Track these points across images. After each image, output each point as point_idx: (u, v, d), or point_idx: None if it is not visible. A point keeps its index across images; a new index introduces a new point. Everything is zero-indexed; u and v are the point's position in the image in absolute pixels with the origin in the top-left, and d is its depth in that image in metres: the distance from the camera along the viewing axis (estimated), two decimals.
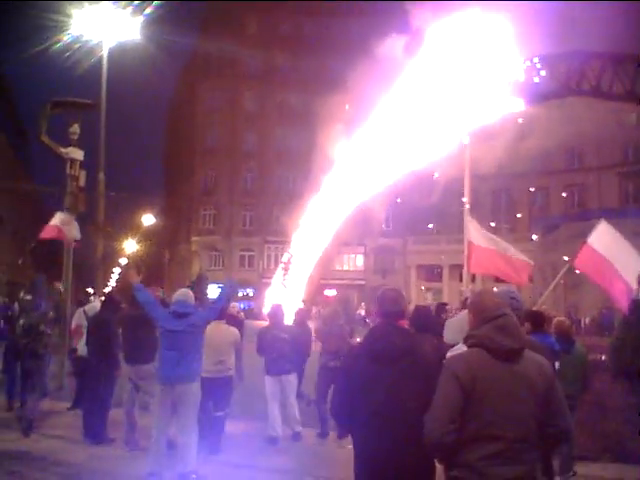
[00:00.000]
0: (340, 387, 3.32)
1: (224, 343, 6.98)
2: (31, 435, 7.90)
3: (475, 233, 10.06)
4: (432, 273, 47.67)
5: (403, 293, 3.43)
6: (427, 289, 47.77)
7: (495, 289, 4.16)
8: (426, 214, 44.62)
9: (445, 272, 45.67)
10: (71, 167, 12.63)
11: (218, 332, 6.85)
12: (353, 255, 49.40)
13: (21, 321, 9.01)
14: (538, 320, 5.43)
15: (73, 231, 12.02)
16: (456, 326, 5.41)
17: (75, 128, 12.79)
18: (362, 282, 47.13)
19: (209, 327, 6.30)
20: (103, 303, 8.62)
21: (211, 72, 49.07)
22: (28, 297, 9.30)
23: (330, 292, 44.80)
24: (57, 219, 12.09)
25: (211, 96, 49.92)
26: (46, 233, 12.21)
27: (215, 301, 6.44)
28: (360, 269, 49.55)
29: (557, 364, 5.11)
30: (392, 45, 18.34)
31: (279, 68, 48.14)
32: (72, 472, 6.62)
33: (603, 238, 7.48)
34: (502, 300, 2.94)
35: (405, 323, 3.34)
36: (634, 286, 6.66)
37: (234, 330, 7.18)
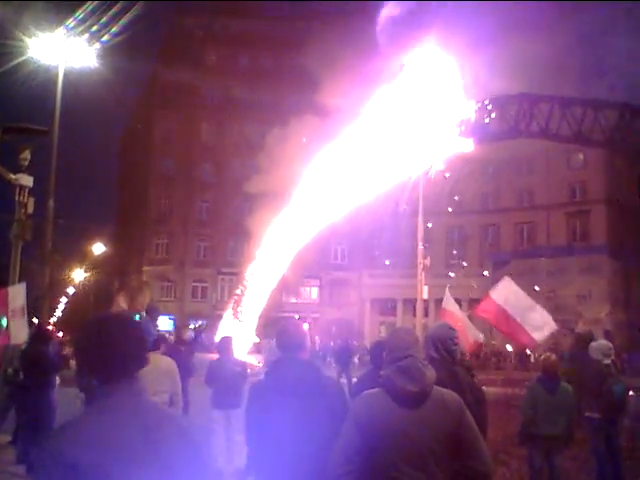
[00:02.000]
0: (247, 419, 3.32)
1: (159, 374, 6.79)
2: None
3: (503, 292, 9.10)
4: (386, 307, 47.93)
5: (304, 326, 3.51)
6: (381, 323, 47.96)
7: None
8: (380, 248, 45.03)
9: (399, 306, 45.98)
10: (20, 194, 12.35)
11: (152, 362, 6.66)
12: (308, 288, 49.25)
13: None
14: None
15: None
16: None
17: (26, 154, 12.54)
18: (317, 315, 46.99)
19: None
20: (33, 336, 8.37)
21: (169, 101, 48.92)
22: None
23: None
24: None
25: (168, 125, 49.69)
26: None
27: None
28: (315, 302, 49.41)
29: None
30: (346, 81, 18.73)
31: (237, 100, 48.36)
32: None
33: (505, 293, 7.79)
34: (415, 339, 2.93)
35: (305, 356, 3.36)
36: (536, 337, 7.24)
37: (168, 360, 6.93)
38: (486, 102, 23.58)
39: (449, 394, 2.80)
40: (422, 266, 19.79)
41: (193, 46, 48.60)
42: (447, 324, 4.03)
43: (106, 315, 2.19)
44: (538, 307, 7.68)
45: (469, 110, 22.34)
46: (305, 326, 3.59)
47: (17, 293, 9.38)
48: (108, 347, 1.98)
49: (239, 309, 27.36)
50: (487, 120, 23.59)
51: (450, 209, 44.15)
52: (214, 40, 49.08)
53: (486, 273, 43.23)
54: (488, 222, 47.50)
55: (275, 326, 3.82)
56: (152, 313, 8.59)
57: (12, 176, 12.35)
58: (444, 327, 3.85)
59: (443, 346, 3.61)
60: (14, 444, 8.85)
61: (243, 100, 47.95)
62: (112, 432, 1.83)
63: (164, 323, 42.57)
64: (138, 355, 2.03)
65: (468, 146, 22.33)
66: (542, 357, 6.70)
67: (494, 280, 40.31)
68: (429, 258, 20.30)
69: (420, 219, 13.97)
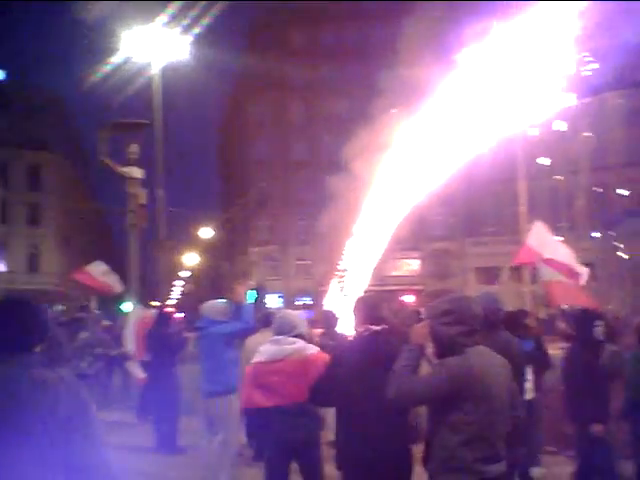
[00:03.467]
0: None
1: None
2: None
3: (539, 239, 9.36)
4: (491, 275, 46.81)
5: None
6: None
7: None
8: (482, 215, 43.94)
9: (504, 273, 44.77)
10: (131, 185, 13.14)
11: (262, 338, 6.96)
12: (409, 260, 49.01)
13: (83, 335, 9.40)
14: (513, 323, 5.40)
15: (115, 284, 11.97)
16: None
17: (134, 148, 13.31)
18: (419, 287, 46.71)
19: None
20: (156, 318, 8.90)
21: (258, 86, 49.84)
22: (97, 311, 9.78)
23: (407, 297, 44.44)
24: (96, 269, 12.09)
25: (260, 109, 50.76)
26: (83, 279, 12.20)
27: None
28: (417, 273, 49.15)
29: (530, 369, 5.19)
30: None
31: (324, 78, 48.52)
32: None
33: (540, 237, 8.49)
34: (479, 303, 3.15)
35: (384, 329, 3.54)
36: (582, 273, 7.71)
37: None
38: (587, 54, 22.29)
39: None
40: (527, 231, 19.09)
41: (277, 28, 49.15)
42: (492, 295, 4.25)
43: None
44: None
45: (571, 63, 21.19)
46: (409, 298, 3.85)
47: (95, 267, 11.27)
48: None
49: (342, 284, 27.70)
50: (588, 72, 22.29)
51: (554, 169, 42.19)
52: (298, 21, 49.33)
53: (596, 234, 41.14)
54: (596, 181, 44.97)
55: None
56: (261, 292, 8.93)
57: (123, 169, 13.16)
58: (484, 293, 4.05)
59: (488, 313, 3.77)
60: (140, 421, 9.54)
61: (330, 78, 48.03)
62: None
63: (273, 300, 43.97)
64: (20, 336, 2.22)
65: (571, 100, 21.24)
66: (637, 322, 6.40)
67: (604, 242, 38.41)
68: (535, 222, 19.57)
69: (522, 182, 13.49)
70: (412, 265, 49.57)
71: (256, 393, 4.56)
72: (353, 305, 3.71)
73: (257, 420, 5.05)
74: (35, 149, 47.05)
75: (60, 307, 40.07)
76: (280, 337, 4.63)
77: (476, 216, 44.64)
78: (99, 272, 11.99)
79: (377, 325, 3.50)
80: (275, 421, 4.52)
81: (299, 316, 4.95)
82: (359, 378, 3.36)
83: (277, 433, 4.52)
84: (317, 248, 48.33)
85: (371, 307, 3.60)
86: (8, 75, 49.17)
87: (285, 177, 50.09)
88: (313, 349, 4.57)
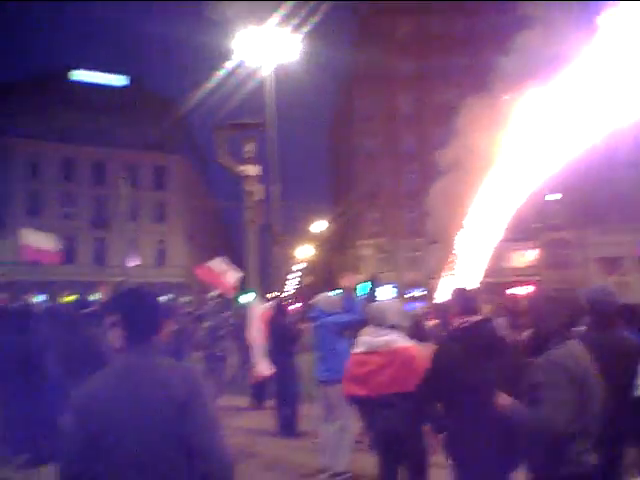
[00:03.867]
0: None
1: None
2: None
3: None
4: (615, 265, 44.14)
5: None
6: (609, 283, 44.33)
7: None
8: (604, 203, 41.49)
9: (629, 264, 42.09)
10: (248, 183, 13.71)
11: None
12: (523, 251, 47.28)
13: (206, 323, 10.00)
14: (632, 316, 5.14)
15: (234, 281, 12.40)
16: None
17: (250, 147, 13.85)
18: (538, 278, 44.93)
19: None
20: (275, 310, 9.29)
21: (366, 79, 49.92)
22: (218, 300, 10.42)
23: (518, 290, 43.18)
24: (217, 266, 12.57)
25: (368, 102, 50.81)
26: (204, 274, 12.69)
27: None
28: (532, 264, 47.29)
29: None
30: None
31: (432, 68, 47.76)
32: (269, 463, 7.22)
33: None
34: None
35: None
36: None
37: None
38: None
39: None
40: None
41: (385, 20, 48.93)
42: (606, 288, 3.95)
43: (127, 288, 2.61)
44: None
45: None
46: (526, 290, 3.88)
47: (217, 263, 11.62)
48: (123, 317, 2.40)
49: (454, 276, 27.25)
50: None
51: None
52: (405, 11, 48.83)
53: None
54: None
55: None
56: (375, 283, 9.12)
57: (240, 168, 13.75)
58: (601, 290, 3.83)
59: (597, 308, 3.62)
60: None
61: (439, 68, 47.22)
62: (108, 382, 2.25)
63: (388, 292, 44.05)
64: (148, 324, 2.35)
65: None
66: None
67: None
68: None
69: None
70: (529, 256, 47.77)
71: (352, 383, 4.65)
72: (449, 298, 3.74)
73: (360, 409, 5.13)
74: (159, 151, 50.31)
75: (186, 298, 42.52)
76: (374, 329, 4.64)
77: (598, 203, 42.21)
78: (220, 269, 12.47)
79: (473, 316, 3.55)
80: (367, 412, 4.58)
81: (393, 307, 4.86)
82: (463, 369, 3.43)
83: (370, 424, 4.57)
84: (429, 239, 47.91)
85: (467, 299, 3.65)
86: (132, 81, 52.47)
87: (395, 169, 49.92)
88: (404, 342, 4.48)
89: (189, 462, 2.17)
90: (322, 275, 54.24)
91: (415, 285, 45.14)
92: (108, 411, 2.15)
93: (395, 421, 4.40)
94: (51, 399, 6.88)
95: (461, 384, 3.44)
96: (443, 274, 32.49)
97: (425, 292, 43.81)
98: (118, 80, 51.93)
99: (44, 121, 47.15)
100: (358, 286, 7.29)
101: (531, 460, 3.04)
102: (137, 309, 2.38)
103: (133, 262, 34.53)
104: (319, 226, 49.18)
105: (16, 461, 6.82)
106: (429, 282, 41.54)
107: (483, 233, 27.07)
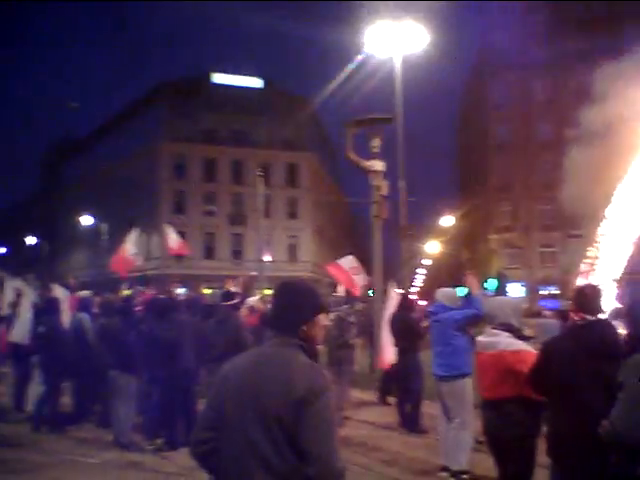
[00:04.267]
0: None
1: None
2: (348, 422, 8.87)
3: None
4: None
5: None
6: None
7: None
8: None
9: None
10: (374, 178, 13.82)
11: None
12: None
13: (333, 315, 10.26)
14: None
15: (362, 279, 12.45)
16: None
17: (376, 142, 13.94)
18: None
19: None
20: (400, 305, 9.29)
21: (499, 66, 48.17)
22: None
23: None
24: (348, 265, 12.60)
25: (501, 90, 49.04)
26: (334, 272, 12.82)
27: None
28: None
29: None
30: None
31: (568, 51, 45.04)
32: (390, 458, 7.21)
33: None
34: None
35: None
36: None
37: None
38: None
39: None
40: None
41: (519, 4, 46.88)
42: None
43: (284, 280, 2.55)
44: None
45: None
46: None
47: (347, 262, 11.59)
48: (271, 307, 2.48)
49: (593, 273, 25.62)
50: None
51: None
52: None
53: None
54: None
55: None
56: (502, 280, 8.91)
57: (366, 163, 13.89)
58: None
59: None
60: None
61: (576, 51, 44.44)
62: (241, 366, 2.37)
63: (515, 289, 42.35)
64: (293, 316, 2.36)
65: None
66: None
67: None
68: None
69: None
70: None
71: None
72: (573, 294, 3.65)
73: None
74: (291, 149, 51.98)
75: None
76: (487, 327, 4.47)
77: None
78: (351, 267, 12.63)
79: (592, 315, 3.44)
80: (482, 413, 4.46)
81: (507, 305, 4.53)
82: (573, 368, 3.34)
83: (483, 425, 4.45)
84: (565, 234, 45.38)
85: (588, 297, 3.53)
86: (266, 83, 54.52)
87: (528, 159, 47.72)
88: (509, 344, 4.14)
89: (298, 462, 2.14)
90: (450, 271, 53.28)
91: (548, 282, 42.95)
92: (232, 393, 2.30)
93: (497, 425, 4.22)
94: (187, 385, 7.46)
95: (567, 383, 3.37)
96: (581, 269, 30.54)
97: (559, 291, 41.59)
98: (254, 82, 54.22)
99: (189, 123, 50.35)
100: (485, 283, 7.19)
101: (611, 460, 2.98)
102: (283, 300, 2.40)
103: (267, 257, 35.89)
104: (447, 221, 48.36)
105: (151, 445, 7.46)
106: (564, 279, 39.38)
107: (627, 225, 24.97)
